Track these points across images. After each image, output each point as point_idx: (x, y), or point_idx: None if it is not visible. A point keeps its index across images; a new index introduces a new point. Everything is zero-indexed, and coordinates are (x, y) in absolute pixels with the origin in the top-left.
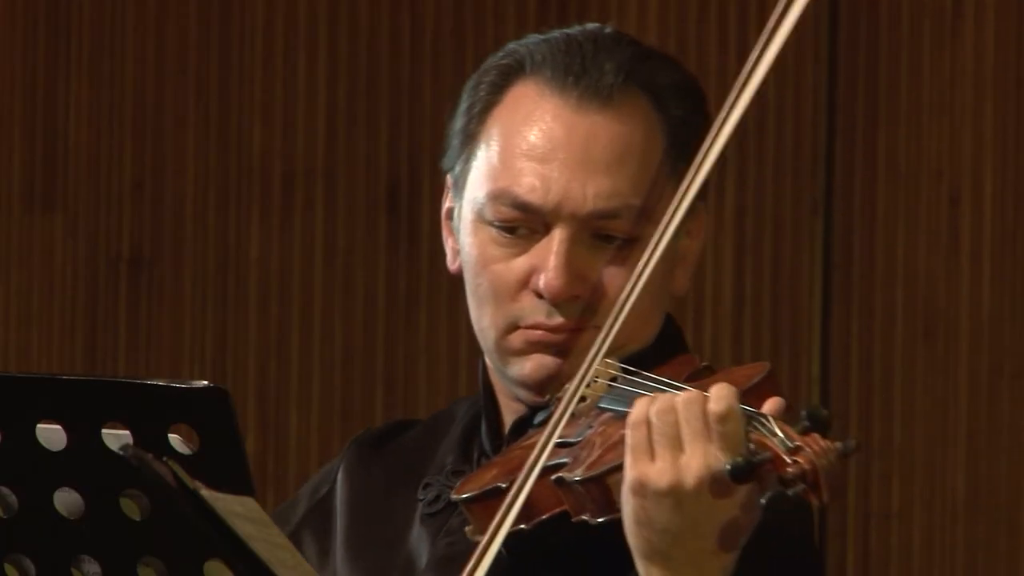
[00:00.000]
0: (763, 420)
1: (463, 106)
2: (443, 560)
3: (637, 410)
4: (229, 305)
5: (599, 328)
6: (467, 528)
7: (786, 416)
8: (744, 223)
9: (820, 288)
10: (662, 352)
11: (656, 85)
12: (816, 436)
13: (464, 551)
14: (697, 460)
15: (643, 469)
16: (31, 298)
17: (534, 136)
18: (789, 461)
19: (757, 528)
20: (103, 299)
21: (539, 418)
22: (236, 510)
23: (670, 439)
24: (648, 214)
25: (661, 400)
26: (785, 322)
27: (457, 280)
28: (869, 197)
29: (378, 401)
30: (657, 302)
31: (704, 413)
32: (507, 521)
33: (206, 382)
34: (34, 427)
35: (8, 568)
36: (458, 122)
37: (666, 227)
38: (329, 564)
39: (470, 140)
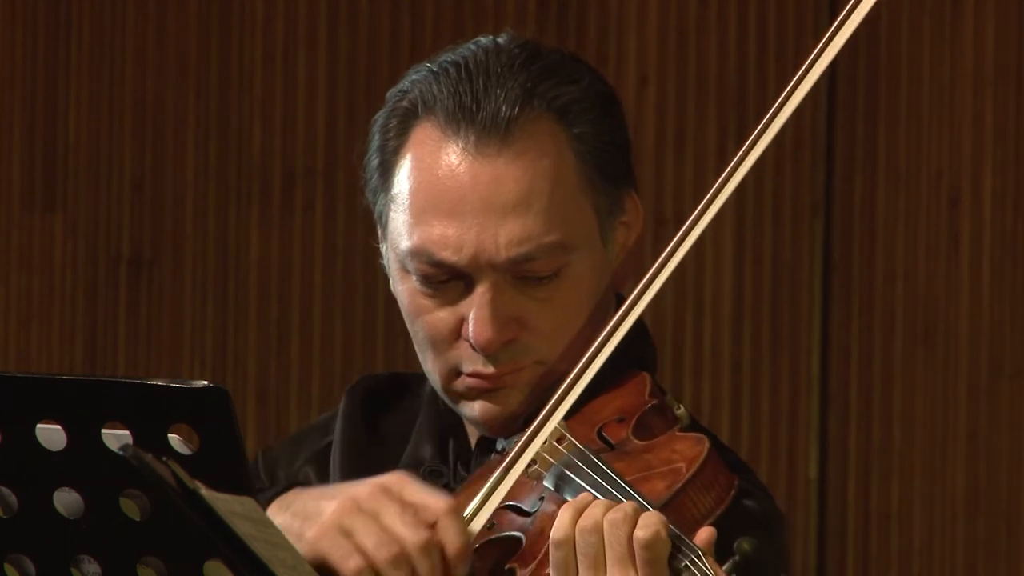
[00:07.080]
0: (695, 558)
1: (375, 143)
2: None
3: (562, 527)
4: (229, 305)
5: (541, 363)
6: None
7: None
8: (744, 223)
9: (820, 288)
10: (617, 365)
11: (557, 103)
12: None
13: None
14: None
15: None
16: (31, 298)
17: (439, 188)
18: None
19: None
20: (103, 299)
21: (502, 444)
22: (236, 510)
23: (592, 560)
24: (566, 243)
25: (587, 518)
26: (785, 322)
27: None
28: (869, 197)
29: None
30: (596, 318)
31: (629, 537)
32: None
33: (206, 382)
34: (34, 427)
35: (8, 568)
36: (372, 160)
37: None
38: None
39: (384, 179)
